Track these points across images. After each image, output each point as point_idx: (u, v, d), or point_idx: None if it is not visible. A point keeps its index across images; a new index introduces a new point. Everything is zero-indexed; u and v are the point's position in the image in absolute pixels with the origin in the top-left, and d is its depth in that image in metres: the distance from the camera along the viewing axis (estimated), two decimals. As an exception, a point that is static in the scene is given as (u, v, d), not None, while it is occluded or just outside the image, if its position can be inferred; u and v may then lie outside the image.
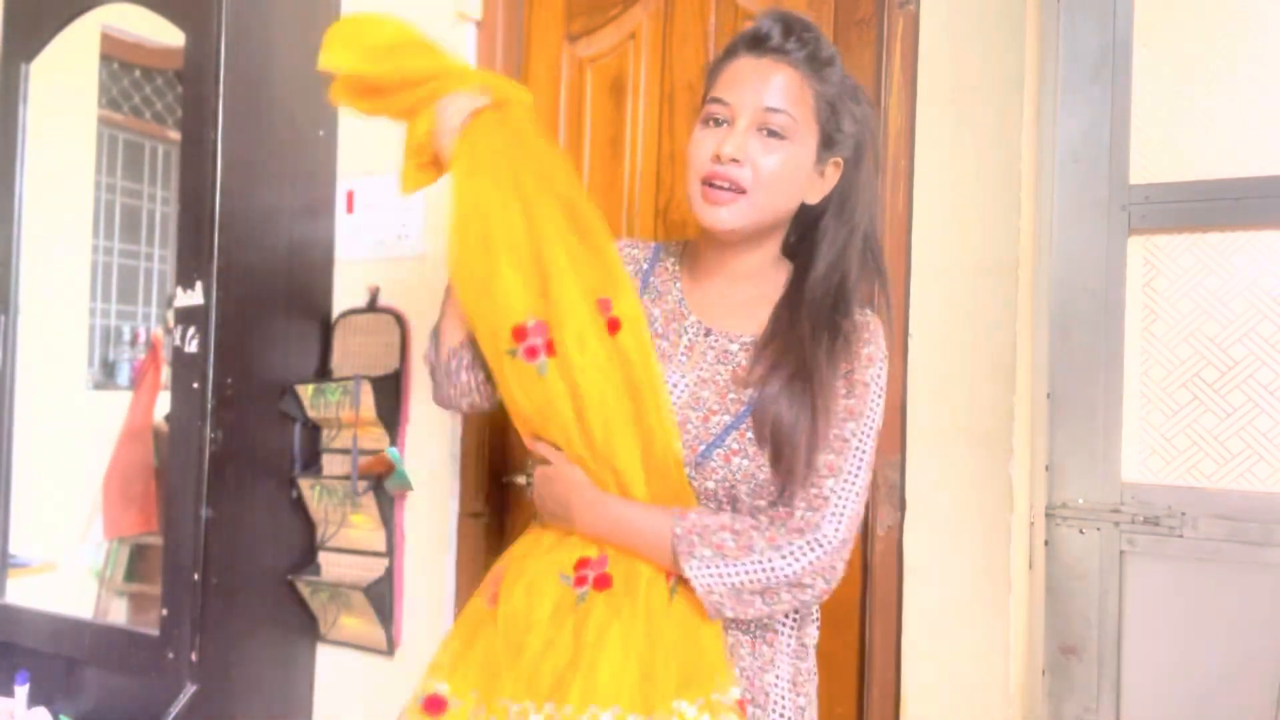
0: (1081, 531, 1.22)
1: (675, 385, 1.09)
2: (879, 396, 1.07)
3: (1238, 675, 1.14)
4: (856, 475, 1.03)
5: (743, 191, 1.05)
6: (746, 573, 1.00)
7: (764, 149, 1.05)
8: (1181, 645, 1.17)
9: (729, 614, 1.02)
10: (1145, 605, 1.19)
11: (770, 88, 1.05)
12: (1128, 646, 1.19)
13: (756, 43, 1.08)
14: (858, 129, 1.11)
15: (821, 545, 1.00)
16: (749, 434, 1.04)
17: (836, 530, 1.01)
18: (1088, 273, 1.23)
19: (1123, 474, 1.22)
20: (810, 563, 1.00)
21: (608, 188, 1.80)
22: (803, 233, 1.16)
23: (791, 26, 1.07)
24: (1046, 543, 1.25)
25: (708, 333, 1.13)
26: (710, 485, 1.05)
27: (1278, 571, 1.12)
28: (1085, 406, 1.22)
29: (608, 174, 1.80)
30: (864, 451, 1.04)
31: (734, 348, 1.11)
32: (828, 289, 1.10)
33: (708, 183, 1.06)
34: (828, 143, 1.09)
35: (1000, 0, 1.41)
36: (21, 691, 1.80)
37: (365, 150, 1.94)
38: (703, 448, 1.04)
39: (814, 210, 1.13)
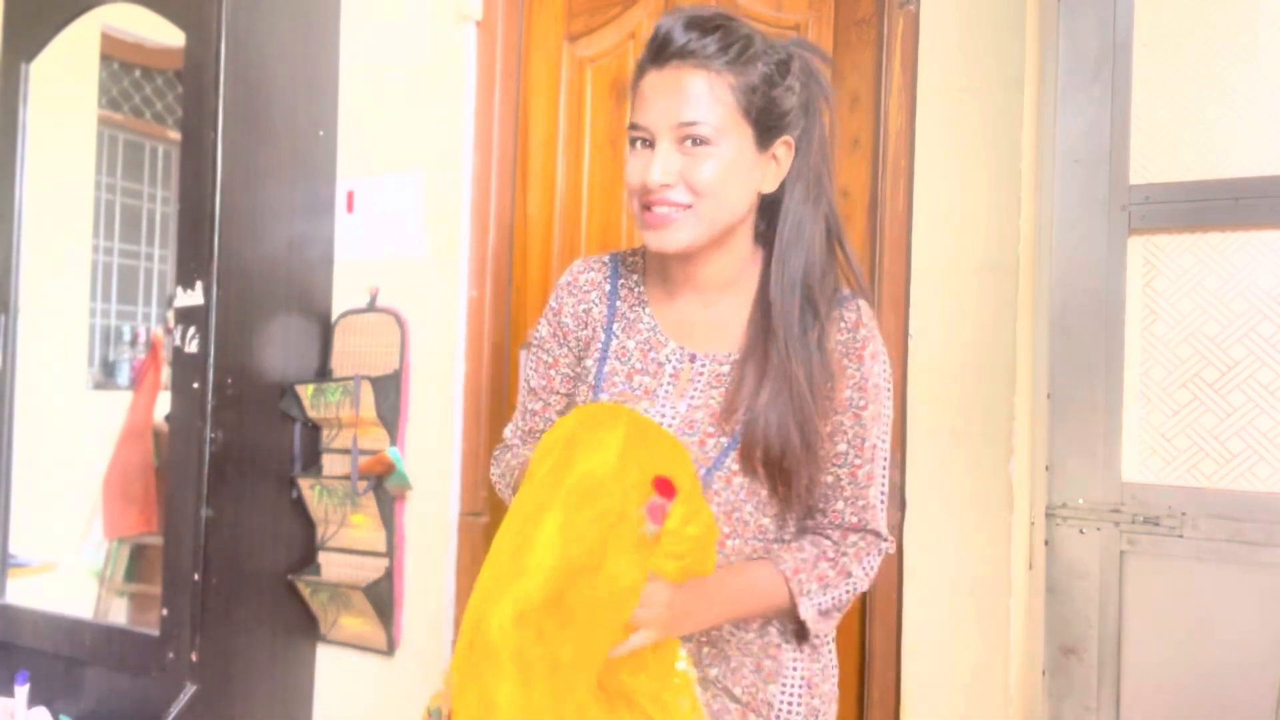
0: (1082, 531, 1.21)
1: (664, 416, 1.03)
2: (889, 392, 1.08)
3: (1238, 675, 1.14)
4: (885, 473, 1.08)
5: (687, 207, 0.98)
6: (840, 595, 1.03)
7: (693, 161, 0.97)
8: (1181, 645, 1.17)
9: (814, 638, 1.07)
10: (1145, 605, 1.18)
11: (678, 101, 0.97)
12: (1128, 646, 1.19)
13: (658, 52, 0.98)
14: (802, 100, 1.03)
15: (881, 548, 1.07)
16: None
17: (882, 528, 1.07)
18: (1088, 273, 1.23)
19: (1123, 474, 1.21)
20: (875, 567, 1.07)
21: (608, 188, 1.80)
22: (769, 218, 1.08)
23: (691, 22, 0.97)
24: (1046, 543, 1.24)
25: (693, 359, 1.06)
26: (713, 509, 0.98)
27: (1278, 571, 1.12)
28: (1085, 406, 1.22)
29: (608, 174, 1.80)
30: (887, 449, 1.08)
31: (724, 370, 1.05)
32: (791, 282, 1.03)
33: (646, 207, 1.00)
34: (767, 129, 1.00)
35: (1000, 0, 1.41)
36: (21, 691, 1.80)
37: (365, 150, 1.94)
38: (703, 471, 1.00)
39: (775, 195, 1.05)
